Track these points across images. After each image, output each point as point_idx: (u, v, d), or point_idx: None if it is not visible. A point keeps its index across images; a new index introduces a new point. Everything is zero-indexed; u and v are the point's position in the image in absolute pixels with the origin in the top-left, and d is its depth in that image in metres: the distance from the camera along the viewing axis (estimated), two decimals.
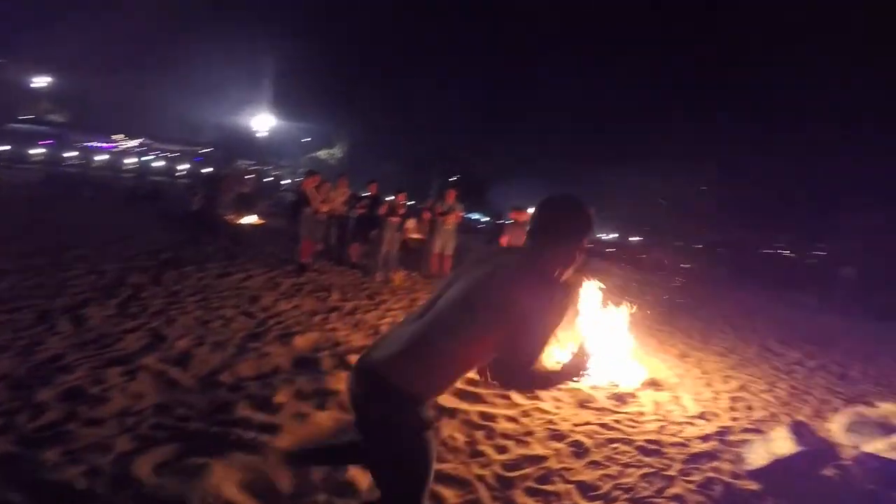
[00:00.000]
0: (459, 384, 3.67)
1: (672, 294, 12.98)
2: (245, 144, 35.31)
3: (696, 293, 14.85)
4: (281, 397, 3.02)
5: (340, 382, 3.31)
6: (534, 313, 1.35)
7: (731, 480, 2.83)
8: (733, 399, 4.46)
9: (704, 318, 9.52)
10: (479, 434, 3.03)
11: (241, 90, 34.27)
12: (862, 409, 3.77)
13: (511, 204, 8.01)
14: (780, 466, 2.72)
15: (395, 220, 7.78)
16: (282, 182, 34.15)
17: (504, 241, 7.52)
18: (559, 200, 1.54)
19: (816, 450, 2.74)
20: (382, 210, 7.90)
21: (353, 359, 3.80)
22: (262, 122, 33.20)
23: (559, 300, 1.39)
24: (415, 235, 8.18)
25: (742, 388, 4.92)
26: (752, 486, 2.79)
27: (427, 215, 8.59)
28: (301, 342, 4.14)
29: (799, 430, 2.84)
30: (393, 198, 8.09)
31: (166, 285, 5.47)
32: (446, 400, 3.42)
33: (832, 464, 2.92)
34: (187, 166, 34.61)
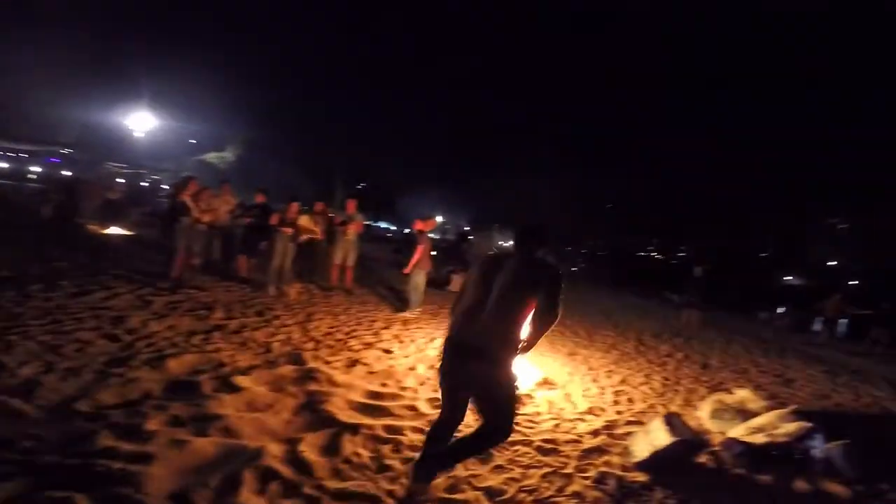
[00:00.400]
0: (361, 398, 3.63)
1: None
2: (116, 145, 31.14)
3: (582, 294, 16.17)
4: (152, 425, 2.72)
5: (225, 406, 3.07)
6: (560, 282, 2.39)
7: (621, 474, 3.02)
8: (616, 393, 4.85)
9: (590, 318, 10.36)
10: (386, 448, 2.94)
11: (112, 86, 30.26)
12: (723, 396, 4.32)
13: (417, 214, 8.02)
14: (661, 457, 2.98)
15: (287, 230, 7.32)
16: (162, 187, 30.69)
17: (420, 250, 7.51)
18: (535, 224, 2.56)
19: (690, 439, 3.07)
20: (274, 220, 7.38)
21: (241, 380, 3.52)
22: (140, 122, 29.50)
23: None
24: (310, 234, 7.70)
25: (623, 381, 5.39)
26: (641, 477, 2.99)
27: (320, 207, 8.16)
28: (175, 365, 3.73)
29: (672, 421, 3.16)
30: (285, 207, 7.57)
31: (5, 308, 4.55)
32: (347, 416, 3.29)
33: (705, 451, 3.31)
34: (39, 169, 29.54)
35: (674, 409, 4.54)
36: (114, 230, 10.80)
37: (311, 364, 4.24)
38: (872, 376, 7.61)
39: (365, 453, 2.85)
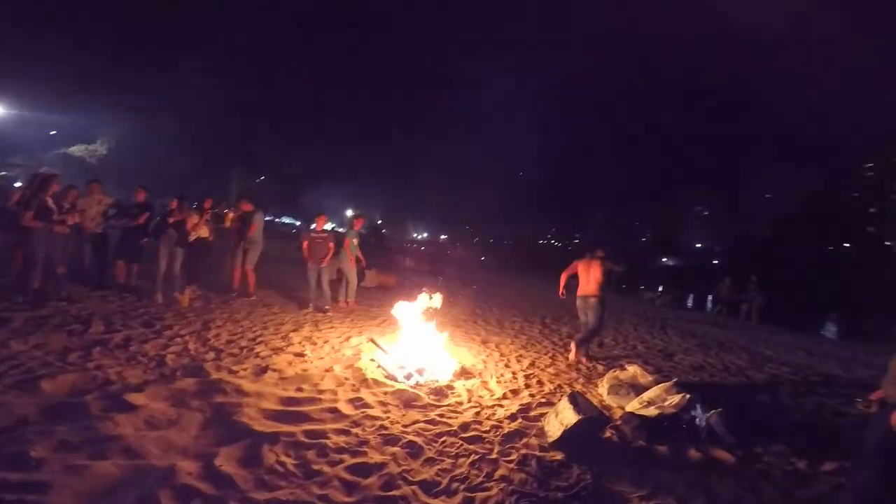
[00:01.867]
0: (276, 406, 3.46)
1: (473, 287, 14.40)
2: None
3: (491, 283, 16.83)
4: (39, 452, 2.44)
5: (120, 426, 2.81)
6: None
7: (540, 454, 3.17)
8: (527, 377, 5.11)
9: (499, 305, 10.81)
10: (311, 453, 2.82)
11: None
12: (618, 373, 4.75)
13: (323, 209, 7.82)
14: (571, 435, 3.17)
15: (171, 231, 6.61)
16: (15, 186, 26.03)
17: (305, 245, 7.36)
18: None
19: (593, 416, 3.29)
20: (142, 220, 6.59)
21: (134, 397, 3.20)
22: None
23: None
24: (201, 233, 7.02)
25: (532, 364, 5.71)
26: (558, 456, 3.16)
27: (208, 203, 7.48)
28: (51, 386, 3.30)
29: (577, 399, 3.39)
30: (167, 205, 6.80)
31: None
32: (263, 425, 3.11)
33: (608, 426, 3.57)
34: None
35: (578, 387, 4.89)
36: None
37: (215, 375, 3.92)
38: (735, 347, 8.75)
39: (289, 461, 2.70)
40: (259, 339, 5.27)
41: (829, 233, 45.16)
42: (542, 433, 3.48)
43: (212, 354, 4.52)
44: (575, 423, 3.13)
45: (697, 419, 3.64)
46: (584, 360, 6.02)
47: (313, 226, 7.71)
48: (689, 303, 17.32)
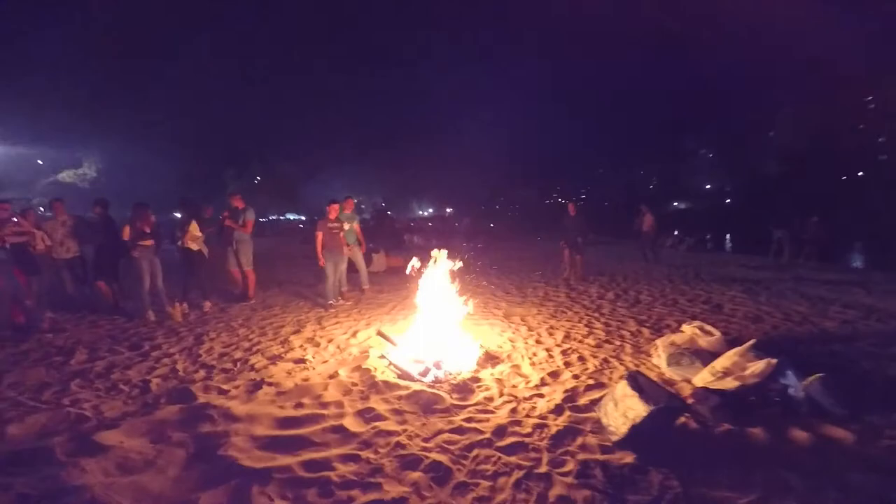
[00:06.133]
0: (273, 430, 2.90)
1: (485, 255, 13.65)
2: None
3: (503, 249, 16.07)
4: None
5: (87, 473, 2.41)
6: None
7: (604, 458, 2.50)
8: (565, 353, 4.42)
9: (516, 272, 10.10)
10: (311, 493, 2.25)
11: None
12: (671, 337, 4.03)
13: (329, 199, 7.07)
14: (640, 430, 2.49)
15: (146, 243, 5.96)
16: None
17: (319, 237, 6.68)
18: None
19: (667, 406, 2.55)
20: (125, 234, 5.94)
21: (106, 436, 2.79)
22: None
23: None
24: (191, 245, 6.40)
25: (567, 336, 5.00)
26: (627, 458, 2.48)
27: (209, 213, 6.82)
28: (17, 430, 2.96)
29: (638, 381, 2.67)
30: (138, 216, 6.05)
31: None
32: (253, 458, 2.54)
33: (682, 411, 2.79)
34: None
35: (627, 360, 4.17)
36: None
37: (202, 398, 3.39)
38: (785, 290, 7.68)
39: None
40: (255, 349, 4.68)
41: (841, 165, 43.64)
42: (599, 427, 2.80)
43: (202, 373, 3.98)
44: (645, 418, 2.44)
45: (791, 388, 2.92)
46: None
47: (326, 216, 6.84)
48: (728, 244, 16.32)
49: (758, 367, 3.02)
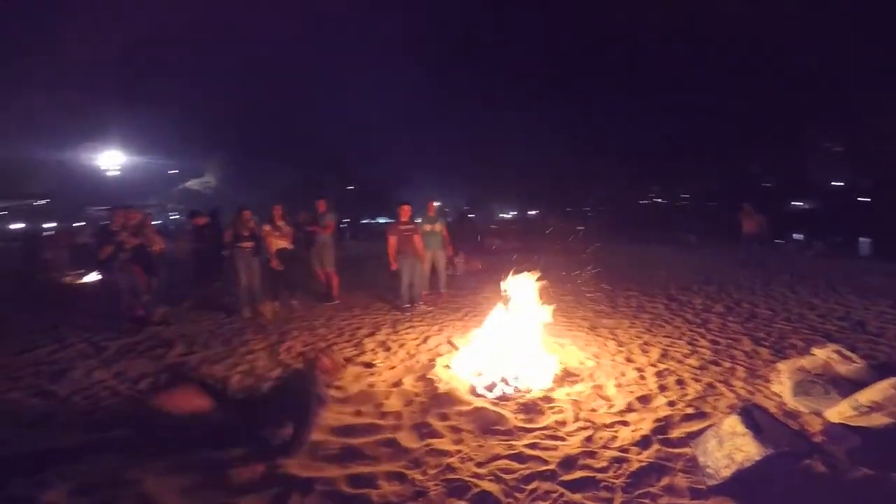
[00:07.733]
0: (329, 436, 2.80)
1: (574, 261, 12.89)
2: (101, 187, 30.22)
3: (592, 253, 15.09)
4: (51, 496, 2.18)
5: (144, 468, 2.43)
6: None
7: None
8: (659, 374, 3.85)
9: (607, 279, 9.33)
10: None
11: (81, 127, 29.20)
12: (800, 362, 3.32)
13: (417, 203, 7.07)
14: (747, 476, 1.99)
15: (246, 245, 6.38)
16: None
17: (392, 241, 6.56)
18: None
19: (790, 451, 2.03)
20: (227, 236, 6.42)
21: None
22: (110, 160, 28.51)
23: None
24: (281, 244, 6.74)
25: (664, 355, 4.39)
26: None
27: (279, 212, 7.09)
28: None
29: (755, 417, 2.13)
30: (236, 219, 6.51)
31: None
32: (300, 466, 2.44)
33: (809, 451, 2.24)
34: (22, 225, 28.56)
35: (738, 386, 3.51)
36: (90, 276, 9.89)
37: None
38: None
39: None
40: (331, 349, 4.74)
41: None
42: (693, 466, 2.32)
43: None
44: (759, 462, 1.95)
45: None
46: None
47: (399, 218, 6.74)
48: (866, 249, 13.80)
49: None
